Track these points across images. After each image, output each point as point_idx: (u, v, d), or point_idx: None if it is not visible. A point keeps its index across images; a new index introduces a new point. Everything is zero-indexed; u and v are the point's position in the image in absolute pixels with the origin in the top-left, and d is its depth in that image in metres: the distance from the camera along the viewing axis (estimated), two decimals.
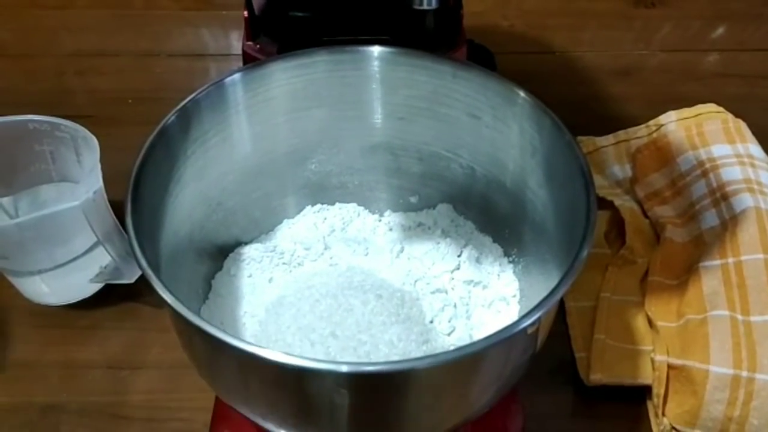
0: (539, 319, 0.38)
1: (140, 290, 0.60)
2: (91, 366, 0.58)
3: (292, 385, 0.38)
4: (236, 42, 0.87)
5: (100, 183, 0.54)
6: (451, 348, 0.48)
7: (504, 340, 0.37)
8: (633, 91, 0.81)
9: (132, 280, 0.57)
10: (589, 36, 0.89)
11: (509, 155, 0.51)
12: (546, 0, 0.94)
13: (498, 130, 0.51)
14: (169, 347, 0.58)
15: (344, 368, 0.36)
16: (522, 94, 0.48)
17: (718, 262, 0.57)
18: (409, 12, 0.52)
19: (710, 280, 0.56)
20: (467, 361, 0.38)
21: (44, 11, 0.92)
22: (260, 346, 0.35)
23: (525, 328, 0.37)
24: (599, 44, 0.88)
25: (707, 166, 0.64)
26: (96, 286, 0.60)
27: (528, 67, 0.81)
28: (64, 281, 0.58)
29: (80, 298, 0.60)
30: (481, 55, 0.74)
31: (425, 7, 0.50)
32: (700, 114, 0.70)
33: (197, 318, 0.36)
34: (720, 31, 0.90)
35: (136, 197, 0.42)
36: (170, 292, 0.37)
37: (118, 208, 0.50)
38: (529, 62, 0.84)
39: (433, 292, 0.52)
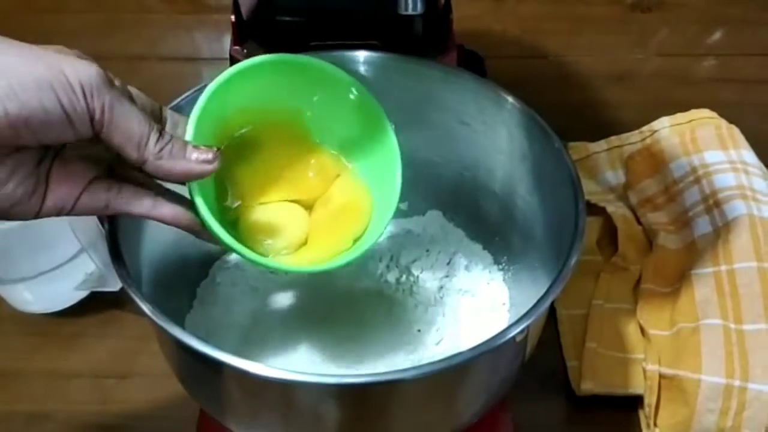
0: (527, 327, 0.37)
1: (125, 298, 0.59)
2: (76, 375, 0.57)
3: (277, 398, 0.38)
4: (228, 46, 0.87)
5: None
6: (439, 358, 0.48)
7: (492, 350, 0.37)
8: (627, 97, 0.80)
9: (117, 288, 0.56)
10: (585, 41, 0.88)
11: (498, 161, 0.51)
12: (541, 4, 0.93)
13: (487, 136, 0.50)
14: (155, 356, 0.56)
15: (330, 380, 0.35)
16: (510, 99, 0.47)
17: (710, 269, 0.57)
18: (396, 17, 0.51)
19: (703, 287, 0.56)
20: (454, 372, 0.37)
21: (38, 15, 0.91)
22: (243, 359, 0.34)
23: (513, 337, 0.37)
24: (595, 49, 0.87)
25: (700, 172, 0.63)
26: (80, 294, 0.59)
27: (521, 72, 0.81)
28: (48, 289, 0.58)
29: (64, 306, 0.59)
30: (471, 60, 0.73)
31: (410, 12, 0.50)
32: (693, 120, 0.69)
33: (177, 329, 0.36)
34: (716, 35, 0.89)
35: None
36: (149, 302, 0.37)
37: None
38: (522, 67, 0.83)
39: (421, 301, 0.51)
